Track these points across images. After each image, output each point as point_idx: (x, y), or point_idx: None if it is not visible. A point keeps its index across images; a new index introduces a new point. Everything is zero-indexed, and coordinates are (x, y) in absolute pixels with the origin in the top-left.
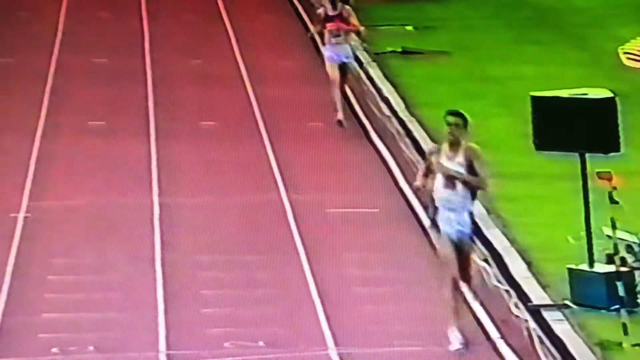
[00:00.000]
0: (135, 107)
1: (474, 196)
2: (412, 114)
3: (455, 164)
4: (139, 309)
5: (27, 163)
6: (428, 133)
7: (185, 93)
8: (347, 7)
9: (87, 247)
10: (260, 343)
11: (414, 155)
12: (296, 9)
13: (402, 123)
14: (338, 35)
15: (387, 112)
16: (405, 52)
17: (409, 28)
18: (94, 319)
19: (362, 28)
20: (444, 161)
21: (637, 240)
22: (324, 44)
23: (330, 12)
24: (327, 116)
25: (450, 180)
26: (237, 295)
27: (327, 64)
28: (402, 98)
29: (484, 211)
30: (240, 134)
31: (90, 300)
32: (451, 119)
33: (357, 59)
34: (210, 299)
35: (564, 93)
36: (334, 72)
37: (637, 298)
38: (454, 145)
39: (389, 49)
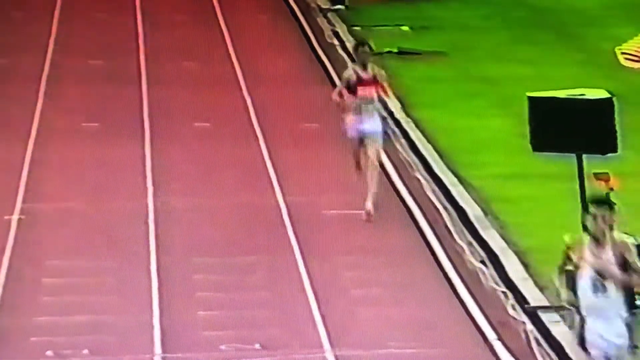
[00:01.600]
0: (130, 108)
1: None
2: (408, 115)
3: (605, 262)
4: (134, 312)
5: (21, 165)
6: (424, 134)
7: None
8: (378, 69)
9: (81, 249)
10: (256, 345)
11: (410, 156)
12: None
13: (398, 124)
14: (370, 103)
15: (383, 113)
16: (401, 53)
17: (405, 28)
18: (88, 322)
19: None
20: (590, 258)
21: (634, 242)
22: (346, 109)
23: (362, 74)
24: (321, 117)
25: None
26: (232, 298)
27: (353, 138)
28: (399, 99)
29: (481, 212)
30: (235, 135)
31: (84, 303)
32: (597, 209)
33: (353, 61)
34: (206, 301)
35: (561, 93)
36: (358, 146)
37: (635, 300)
38: (599, 239)
39: (386, 49)
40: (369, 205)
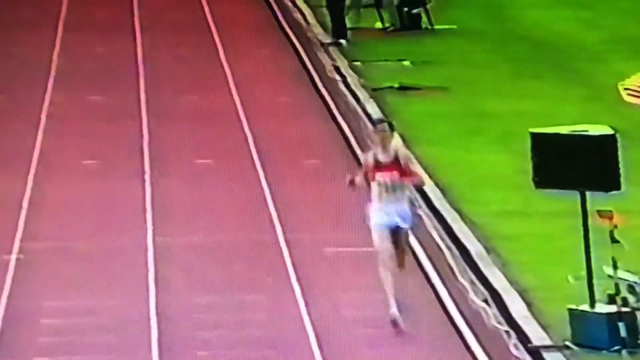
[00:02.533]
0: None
1: None
2: (410, 151)
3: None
4: (133, 352)
5: (20, 203)
6: (427, 170)
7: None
8: (401, 147)
9: (80, 288)
10: None
11: (413, 193)
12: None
13: None
14: (393, 190)
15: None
16: (402, 88)
17: (407, 63)
18: None
19: (423, 178)
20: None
21: (638, 280)
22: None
23: (381, 157)
24: (322, 153)
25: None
26: (232, 337)
27: (375, 231)
28: (400, 135)
29: (483, 250)
30: (235, 171)
31: (83, 344)
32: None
33: (353, 95)
34: (206, 341)
35: (563, 129)
36: (383, 243)
37: (639, 339)
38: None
39: (386, 84)
40: (393, 311)
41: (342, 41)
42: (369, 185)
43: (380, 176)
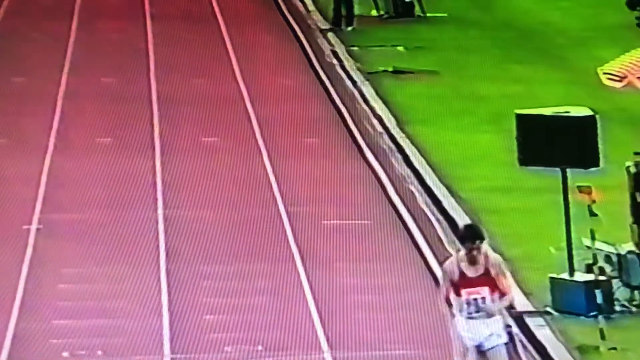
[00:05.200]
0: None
1: None
2: (403, 131)
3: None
4: (144, 316)
5: (39, 178)
6: (418, 148)
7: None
8: (492, 255)
9: (96, 257)
10: (259, 347)
11: (405, 170)
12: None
13: (393, 139)
14: (480, 309)
15: (379, 129)
16: (396, 72)
17: (400, 49)
18: (102, 325)
19: (512, 293)
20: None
21: (614, 251)
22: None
23: (467, 270)
24: (322, 132)
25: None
26: (237, 303)
27: (456, 346)
28: (394, 115)
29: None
30: (240, 149)
31: (99, 308)
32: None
33: (350, 78)
34: (212, 306)
35: (547, 111)
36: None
37: (614, 305)
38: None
39: (381, 68)
40: None
41: (350, 28)
42: (449, 303)
43: (466, 293)
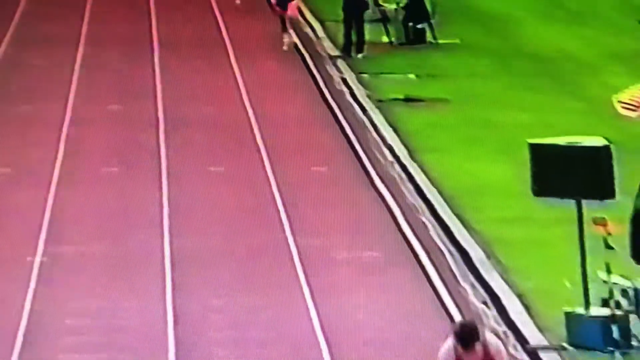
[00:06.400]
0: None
1: None
2: (414, 160)
3: None
4: (151, 352)
5: (43, 209)
6: (430, 178)
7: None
8: (492, 340)
9: (101, 290)
10: None
11: (416, 200)
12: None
13: (404, 168)
14: None
15: (390, 157)
16: (407, 99)
17: (412, 76)
18: None
19: None
20: None
21: (631, 285)
22: None
23: (465, 356)
24: (331, 161)
25: None
26: (245, 336)
27: None
28: (405, 144)
29: (483, 255)
30: (247, 178)
31: (104, 343)
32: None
33: (360, 106)
34: (220, 340)
35: (560, 140)
36: None
37: (631, 340)
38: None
39: (392, 96)
40: None
41: (360, 55)
42: None
43: None
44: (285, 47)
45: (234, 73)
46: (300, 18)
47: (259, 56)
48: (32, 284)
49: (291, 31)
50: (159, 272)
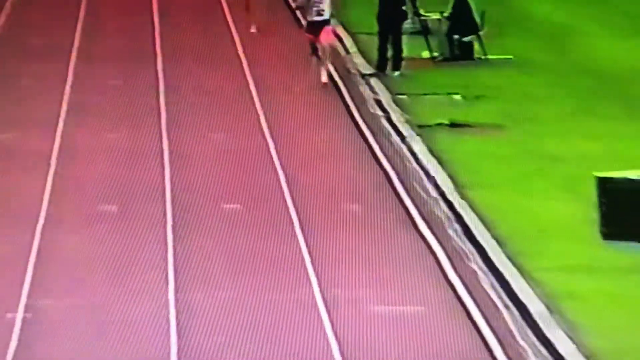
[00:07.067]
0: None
1: None
2: (462, 197)
3: None
4: None
5: (27, 255)
6: (481, 218)
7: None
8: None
9: (93, 352)
10: None
11: (465, 244)
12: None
13: (451, 207)
14: None
15: (433, 194)
16: (453, 125)
17: (458, 97)
18: None
19: None
20: None
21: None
22: None
23: None
24: (364, 198)
25: None
26: None
27: None
28: (451, 178)
29: (545, 310)
30: (267, 219)
31: None
32: None
33: (398, 132)
34: None
35: (633, 174)
36: None
37: None
38: None
39: (436, 121)
40: None
41: (398, 73)
42: None
43: None
44: (323, 79)
45: (250, 92)
46: (337, 43)
47: (280, 73)
48: (13, 345)
49: (325, 65)
50: (163, 332)
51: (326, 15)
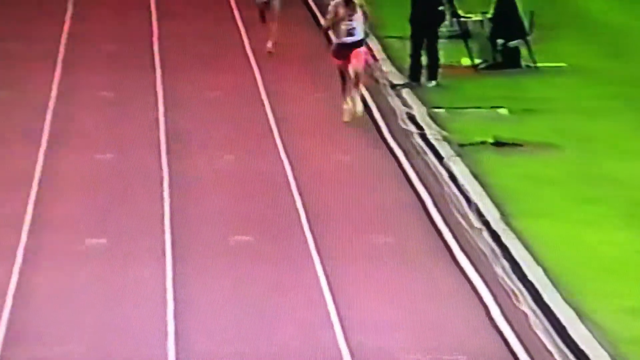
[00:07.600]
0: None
1: None
2: (509, 226)
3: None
4: None
5: (3, 298)
6: (531, 252)
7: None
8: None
9: None
10: None
11: (514, 282)
12: None
13: (496, 238)
14: None
15: (476, 223)
16: (498, 144)
17: (503, 111)
18: None
19: None
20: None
21: None
22: None
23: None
24: (396, 228)
25: None
26: None
27: None
28: (496, 204)
29: (608, 357)
30: (284, 253)
31: None
32: None
33: (434, 152)
34: None
35: None
36: None
37: None
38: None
39: (478, 139)
40: None
41: (434, 83)
42: None
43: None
44: (346, 118)
45: (263, 106)
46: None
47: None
48: None
49: (358, 94)
50: None
51: (359, 35)
